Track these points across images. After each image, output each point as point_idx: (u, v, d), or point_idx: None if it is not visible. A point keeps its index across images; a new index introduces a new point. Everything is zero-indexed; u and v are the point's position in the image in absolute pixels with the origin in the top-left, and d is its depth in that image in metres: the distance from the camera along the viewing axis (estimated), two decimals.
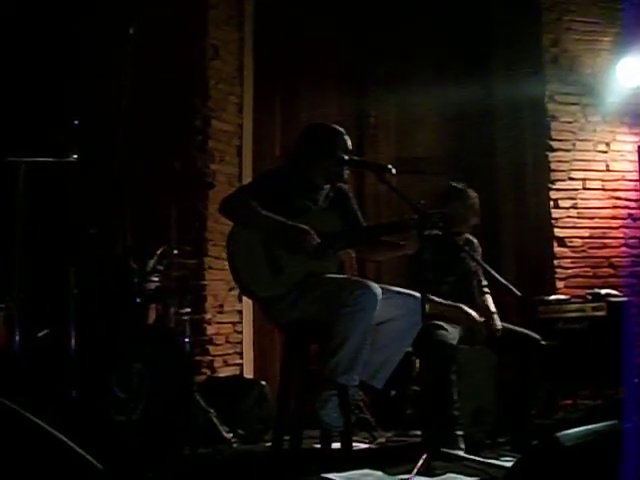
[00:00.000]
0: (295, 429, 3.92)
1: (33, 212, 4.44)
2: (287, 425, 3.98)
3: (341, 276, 4.06)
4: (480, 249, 4.92)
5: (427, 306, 3.77)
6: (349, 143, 4.18)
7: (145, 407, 4.04)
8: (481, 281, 4.81)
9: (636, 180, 6.14)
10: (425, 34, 6.52)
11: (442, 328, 4.41)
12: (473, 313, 4.51)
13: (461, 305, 4.53)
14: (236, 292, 5.63)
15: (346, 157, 4.12)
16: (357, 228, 4.32)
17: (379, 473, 3.60)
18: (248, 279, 3.93)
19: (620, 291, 5.60)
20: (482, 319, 4.51)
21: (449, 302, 4.53)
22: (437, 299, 4.50)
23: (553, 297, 5.60)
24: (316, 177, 4.20)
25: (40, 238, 4.97)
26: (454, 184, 4.83)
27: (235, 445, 4.51)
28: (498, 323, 4.59)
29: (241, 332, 6.01)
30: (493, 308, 4.70)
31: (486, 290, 4.81)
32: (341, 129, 4.27)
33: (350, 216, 4.29)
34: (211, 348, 5.71)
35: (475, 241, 4.92)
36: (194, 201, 5.69)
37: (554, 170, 6.14)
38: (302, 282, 3.87)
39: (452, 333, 4.43)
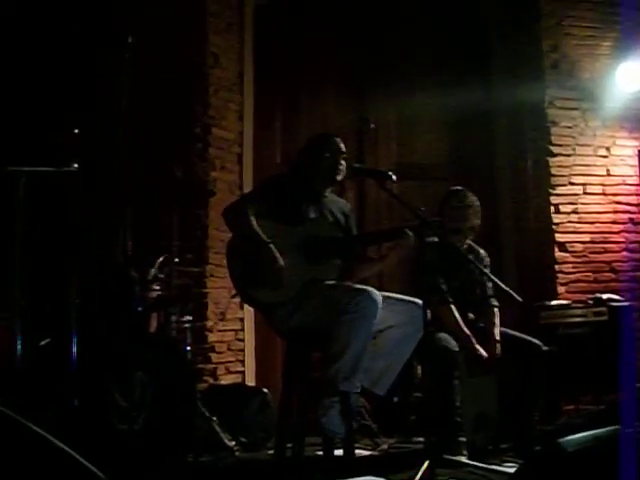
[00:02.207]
0: (297, 436, 3.93)
1: (34, 221, 4.44)
2: (289, 432, 3.98)
3: (341, 283, 4.06)
4: (488, 259, 4.87)
5: (429, 313, 3.76)
6: (341, 145, 4.22)
7: (147, 415, 4.03)
8: (486, 291, 4.76)
9: (637, 185, 6.15)
10: (425, 41, 6.52)
11: (444, 334, 4.42)
12: (479, 349, 4.49)
13: (472, 337, 4.50)
14: (238, 300, 5.62)
15: (340, 164, 4.16)
16: (356, 235, 4.35)
17: None
18: (248, 286, 3.93)
19: (621, 296, 5.60)
20: (485, 354, 4.48)
21: (466, 330, 4.52)
22: (457, 315, 4.51)
23: (555, 302, 5.60)
24: (316, 184, 4.23)
25: (41, 247, 4.97)
26: (454, 187, 4.85)
27: (237, 453, 4.50)
28: (498, 351, 4.55)
29: (243, 340, 6.00)
30: (497, 334, 4.59)
31: (494, 303, 4.73)
32: (331, 132, 4.33)
33: (347, 231, 4.30)
34: (213, 356, 5.70)
35: (482, 251, 4.86)
36: (195, 209, 5.69)
37: (554, 175, 6.14)
38: (303, 289, 3.88)
39: (453, 340, 4.43)
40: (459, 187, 4.83)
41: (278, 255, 3.87)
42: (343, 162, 4.18)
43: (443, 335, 4.41)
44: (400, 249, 4.06)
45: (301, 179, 4.23)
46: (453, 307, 4.53)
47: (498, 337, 4.56)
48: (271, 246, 3.88)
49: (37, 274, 4.61)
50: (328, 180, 4.23)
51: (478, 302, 4.72)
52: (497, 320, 4.67)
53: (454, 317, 4.51)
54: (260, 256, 3.88)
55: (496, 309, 4.70)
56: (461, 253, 4.66)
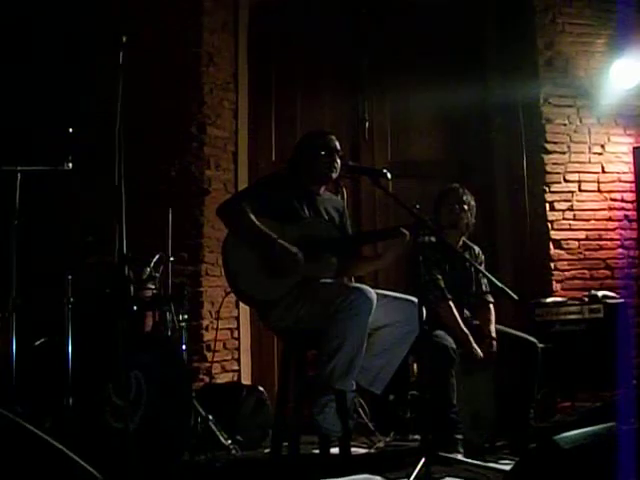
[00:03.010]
0: (293, 435, 3.92)
1: (30, 220, 4.43)
2: (285, 431, 3.97)
3: (336, 281, 4.06)
4: (482, 256, 4.91)
5: (424, 311, 3.76)
6: (334, 143, 4.20)
7: (143, 414, 4.03)
8: (482, 287, 4.79)
9: (631, 181, 6.14)
10: (420, 39, 6.51)
11: (441, 331, 4.43)
12: (478, 349, 4.50)
13: (469, 336, 4.52)
14: (233, 298, 5.62)
15: (336, 162, 4.15)
16: (351, 234, 4.35)
17: (378, 478, 3.61)
18: (244, 285, 3.93)
19: (617, 293, 5.60)
20: (482, 355, 4.49)
21: (464, 328, 4.53)
22: (455, 312, 4.52)
23: (550, 299, 5.59)
24: (311, 182, 4.22)
25: (36, 246, 4.97)
26: (451, 185, 4.87)
27: (234, 451, 4.49)
28: (494, 347, 4.56)
29: (238, 338, 6.01)
30: (493, 331, 4.63)
31: (489, 299, 4.77)
32: (326, 130, 4.33)
33: (341, 229, 4.29)
34: (209, 355, 5.70)
35: (476, 248, 4.91)
36: (190, 208, 5.70)
37: (549, 172, 6.14)
38: (298, 287, 3.87)
39: (450, 337, 4.44)
40: (456, 184, 4.85)
41: (289, 246, 3.86)
42: (338, 160, 4.17)
43: (440, 332, 4.42)
44: (396, 247, 4.05)
45: (296, 177, 4.22)
46: (452, 304, 4.54)
47: (494, 334, 4.58)
48: (280, 240, 3.87)
49: (33, 273, 4.61)
50: (323, 178, 4.23)
51: (473, 299, 4.74)
52: (492, 317, 4.69)
53: (453, 314, 4.52)
54: (269, 252, 3.87)
55: (491, 305, 4.73)
56: (456, 250, 4.67)
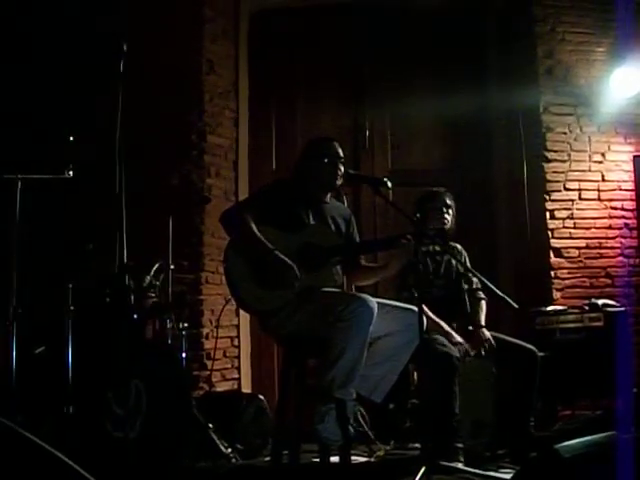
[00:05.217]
0: (293, 443, 3.91)
1: (30, 229, 4.43)
2: (285, 439, 3.97)
3: (337, 290, 4.06)
4: (465, 253, 4.94)
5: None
6: (338, 150, 4.21)
7: (143, 423, 4.02)
8: (472, 283, 4.81)
9: (632, 190, 6.14)
10: (420, 48, 6.52)
11: (442, 337, 4.43)
12: (453, 333, 4.51)
13: (443, 324, 4.54)
14: (233, 306, 5.62)
15: (339, 169, 4.15)
16: (354, 243, 4.34)
17: None
18: (245, 293, 3.92)
19: (617, 301, 5.60)
20: (461, 340, 4.50)
21: (435, 318, 4.54)
22: (428, 312, 4.51)
23: (550, 308, 5.59)
24: (313, 189, 4.22)
25: (37, 254, 4.96)
26: (435, 189, 4.89)
27: (234, 460, 4.48)
28: (487, 335, 4.58)
29: (239, 346, 6.01)
30: (483, 320, 4.70)
31: (480, 295, 4.80)
32: (330, 137, 4.33)
33: (348, 237, 4.29)
34: (209, 363, 5.70)
35: (458, 246, 4.93)
36: (190, 216, 5.70)
37: (550, 181, 6.13)
38: (299, 295, 3.86)
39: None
40: (441, 188, 4.88)
41: (286, 259, 3.86)
42: (341, 167, 4.17)
43: (441, 338, 4.41)
44: (401, 257, 4.04)
45: (301, 184, 4.22)
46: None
47: (483, 322, 4.68)
48: (277, 252, 3.87)
49: (33, 281, 4.60)
50: (327, 186, 4.23)
51: (468, 293, 4.77)
52: (483, 309, 4.79)
53: (429, 317, 4.53)
54: (266, 263, 3.87)
55: (483, 302, 4.80)
56: (452, 253, 4.69)
